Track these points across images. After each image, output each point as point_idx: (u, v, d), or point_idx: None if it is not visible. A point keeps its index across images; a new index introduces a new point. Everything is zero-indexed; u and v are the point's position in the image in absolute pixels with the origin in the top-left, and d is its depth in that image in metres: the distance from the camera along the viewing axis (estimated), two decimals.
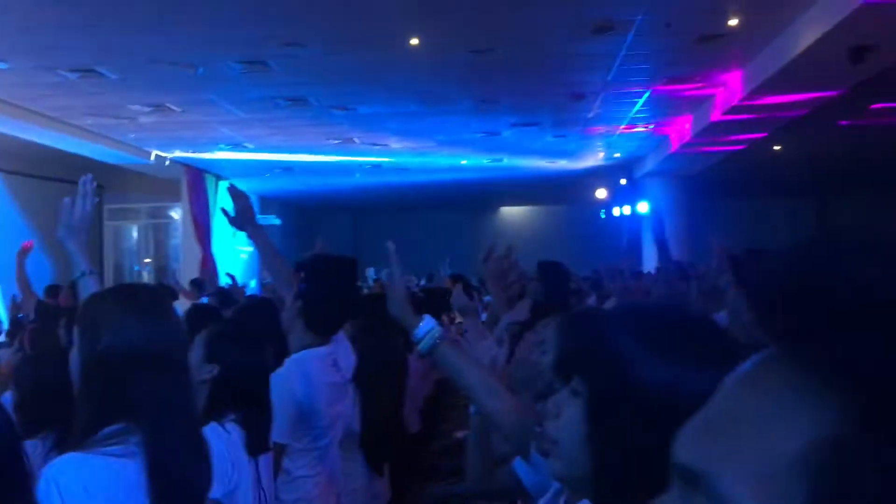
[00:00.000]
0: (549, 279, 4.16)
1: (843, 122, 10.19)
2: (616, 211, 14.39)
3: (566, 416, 1.02)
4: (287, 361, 2.56)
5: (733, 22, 6.64)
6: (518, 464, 1.65)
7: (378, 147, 12.21)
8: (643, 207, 13.60)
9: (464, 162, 13.73)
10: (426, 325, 1.79)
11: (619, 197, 14.37)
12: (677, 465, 0.38)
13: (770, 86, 7.66)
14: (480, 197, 18.54)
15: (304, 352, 2.59)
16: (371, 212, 20.09)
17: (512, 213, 20.30)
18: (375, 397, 3.22)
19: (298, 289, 2.70)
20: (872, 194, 17.12)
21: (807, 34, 6.48)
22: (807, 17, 6.47)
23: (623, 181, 14.11)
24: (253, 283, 13.09)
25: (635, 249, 13.40)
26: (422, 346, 1.80)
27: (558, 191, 17.03)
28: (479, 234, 18.57)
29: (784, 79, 7.32)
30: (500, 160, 13.63)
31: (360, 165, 13.76)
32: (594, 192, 14.95)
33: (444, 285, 7.25)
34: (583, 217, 17.42)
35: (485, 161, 13.68)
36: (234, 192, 2.92)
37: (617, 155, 13.33)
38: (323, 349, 2.62)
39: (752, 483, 0.34)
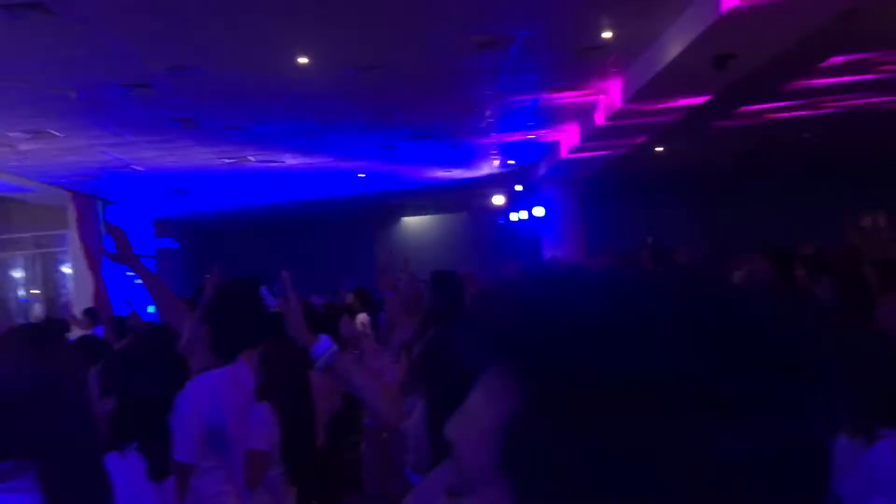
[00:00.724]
0: (441, 289, 4.31)
1: (716, 124, 10.87)
2: (513, 216, 14.80)
3: None
4: (191, 383, 2.62)
5: (607, 35, 7.03)
6: (409, 471, 1.79)
7: (275, 164, 12.16)
8: (539, 212, 14.04)
9: (362, 175, 13.83)
10: (323, 345, 1.91)
11: (516, 202, 14.78)
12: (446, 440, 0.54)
13: (646, 93, 8.12)
14: (382, 208, 18.66)
15: (207, 373, 2.66)
16: (274, 229, 19.86)
17: (413, 222, 20.49)
18: (288, 414, 3.30)
19: (202, 312, 2.77)
20: (753, 190, 18.25)
21: (674, 44, 6.93)
22: (674, 28, 6.92)
23: (519, 187, 14.53)
24: (151, 309, 12.74)
25: (534, 252, 13.83)
26: (319, 365, 1.92)
27: (458, 199, 17.35)
28: (382, 246, 18.68)
29: (657, 86, 7.79)
30: (398, 172, 13.80)
31: (258, 183, 13.64)
32: (492, 198, 15.32)
33: (346, 300, 7.33)
34: (483, 223, 17.79)
35: (383, 173, 13.82)
36: (110, 229, 2.97)
37: (511, 162, 13.72)
38: (226, 370, 2.69)
39: (472, 444, 0.51)
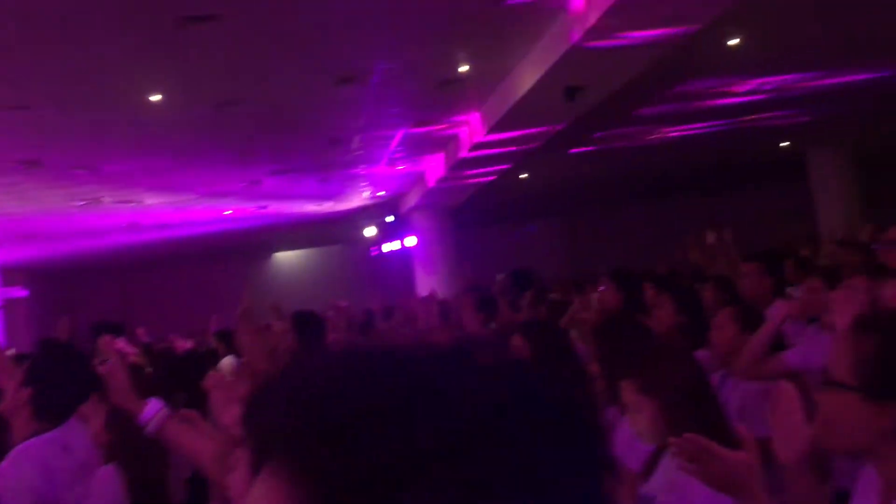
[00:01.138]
0: (303, 330, 4.22)
1: (573, 151, 11.33)
2: (386, 247, 14.80)
3: None
4: (12, 453, 2.42)
5: (464, 68, 7.20)
6: None
7: (132, 204, 11.61)
8: (411, 242, 14.11)
9: (228, 212, 13.45)
10: (152, 408, 1.81)
11: (388, 233, 14.79)
12: None
13: (504, 123, 8.36)
14: (251, 244, 18.20)
15: (30, 441, 2.46)
16: (138, 271, 18.94)
17: (286, 257, 20.12)
18: (138, 475, 3.11)
19: (25, 376, 2.57)
20: (614, 210, 19.13)
21: (527, 77, 7.18)
22: (526, 62, 7.18)
23: (390, 218, 14.56)
24: None
25: (407, 283, 13.85)
26: (149, 430, 1.81)
27: (330, 232, 17.18)
28: (253, 283, 18.19)
29: (514, 117, 8.03)
30: (266, 207, 13.52)
31: (115, 223, 12.98)
32: (364, 230, 15.26)
33: (211, 345, 7.05)
34: (355, 256, 17.68)
35: (250, 209, 13.50)
36: None
37: (381, 193, 13.74)
38: (51, 434, 2.51)
39: None
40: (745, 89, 9.87)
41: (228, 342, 7.13)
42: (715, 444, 1.37)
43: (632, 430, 1.89)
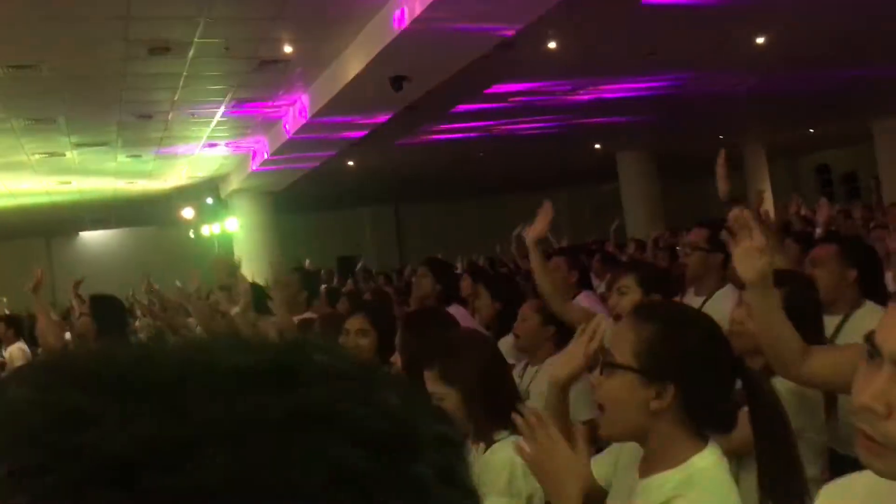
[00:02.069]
0: (101, 315, 3.92)
1: (399, 142, 11.38)
2: (205, 230, 14.16)
3: None
4: None
5: (289, 49, 6.99)
6: None
7: None
8: (232, 225, 13.60)
9: (25, 187, 12.28)
10: None
11: (206, 215, 14.16)
12: None
13: (330, 109, 8.22)
14: (54, 223, 16.76)
15: None
16: None
17: (93, 237, 18.72)
18: None
19: None
20: (436, 199, 19.48)
21: (354, 63, 7.09)
22: (353, 47, 7.09)
23: (209, 200, 13.94)
24: None
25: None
26: None
27: (143, 212, 16.17)
28: (57, 264, 16.76)
29: (340, 103, 7.92)
30: (70, 183, 12.48)
31: None
32: (181, 211, 14.50)
33: None
34: (171, 238, 16.78)
35: (51, 185, 12.39)
36: None
37: (200, 174, 13.10)
38: None
39: None
40: (564, 90, 10.37)
41: (17, 327, 6.51)
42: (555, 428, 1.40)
43: None
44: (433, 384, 1.87)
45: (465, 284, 4.81)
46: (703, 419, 1.32)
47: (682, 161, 16.22)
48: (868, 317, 2.54)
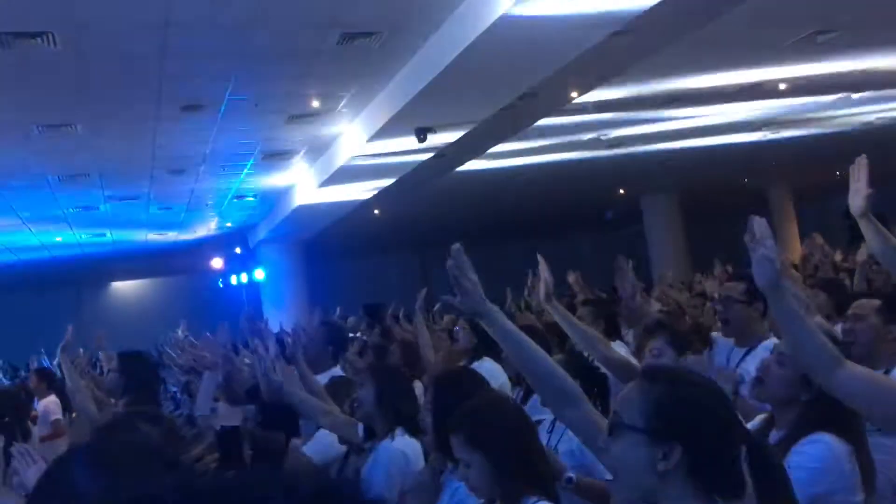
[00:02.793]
0: (129, 372, 3.98)
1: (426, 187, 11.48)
2: (234, 279, 14.33)
3: None
4: None
5: (316, 104, 7.16)
6: None
7: None
8: (260, 274, 13.75)
9: (59, 239, 12.55)
10: None
11: (235, 265, 14.34)
12: None
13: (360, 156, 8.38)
14: (87, 273, 17.05)
15: None
16: None
17: (124, 287, 19.00)
18: None
19: None
20: (465, 247, 19.49)
21: (380, 116, 7.23)
22: (378, 100, 7.23)
23: (238, 250, 14.14)
24: None
25: (255, 317, 13.43)
26: None
27: (173, 262, 16.42)
28: (87, 313, 16.99)
29: (369, 150, 8.08)
30: (104, 235, 12.74)
31: None
32: (210, 261, 14.71)
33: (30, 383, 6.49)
34: (200, 287, 16.98)
35: (84, 237, 12.66)
36: None
37: (229, 224, 13.32)
38: None
39: None
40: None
41: (50, 380, 6.61)
42: None
43: (466, 485, 1.91)
44: (460, 449, 1.87)
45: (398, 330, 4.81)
46: (712, 482, 1.34)
47: (706, 205, 16.19)
48: None
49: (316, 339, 4.34)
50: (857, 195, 2.40)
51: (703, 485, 1.33)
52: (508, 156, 10.78)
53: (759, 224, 1.83)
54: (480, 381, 2.35)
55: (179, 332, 9.13)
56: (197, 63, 5.91)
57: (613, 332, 4.22)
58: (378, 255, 19.96)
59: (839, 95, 9.96)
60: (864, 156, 2.43)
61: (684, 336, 2.87)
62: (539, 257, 3.17)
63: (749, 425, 2.26)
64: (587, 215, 17.19)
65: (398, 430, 2.67)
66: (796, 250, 12.34)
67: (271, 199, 11.80)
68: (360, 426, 2.92)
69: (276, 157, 9.15)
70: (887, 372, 2.60)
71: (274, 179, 10.45)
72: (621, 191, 15.85)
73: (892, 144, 14.27)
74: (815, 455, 2.00)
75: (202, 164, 9.10)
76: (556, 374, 1.79)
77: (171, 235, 13.50)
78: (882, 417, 1.87)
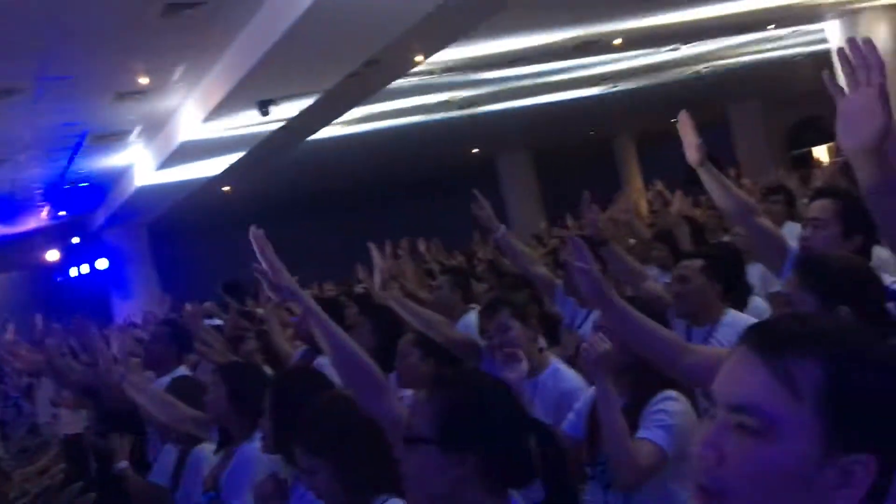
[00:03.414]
0: None
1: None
2: (73, 271, 13.35)
3: None
4: None
5: (145, 80, 6.66)
6: None
7: None
8: (102, 264, 12.89)
9: None
10: None
11: (74, 256, 13.36)
12: None
13: (198, 134, 7.92)
14: None
15: None
16: None
17: None
18: None
19: None
20: (316, 218, 19.18)
21: (218, 90, 6.84)
22: (215, 73, 6.83)
23: (76, 239, 13.16)
24: None
25: (102, 308, 12.62)
26: None
27: (3, 256, 15.07)
28: None
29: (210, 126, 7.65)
30: None
31: None
32: (45, 254, 13.62)
33: None
34: (36, 283, 15.71)
35: None
36: None
37: (63, 213, 12.35)
38: None
39: None
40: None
41: None
42: None
43: (312, 495, 1.80)
44: (302, 458, 1.77)
45: (351, 313, 4.65)
46: (505, 478, 1.37)
47: (558, 160, 16.69)
48: (730, 328, 2.59)
49: (158, 338, 4.05)
50: (690, 148, 2.45)
51: (497, 482, 1.35)
52: (360, 122, 10.58)
53: (573, 242, 1.84)
54: (321, 382, 2.21)
55: (7, 335, 8.34)
56: (1, 43, 5.32)
57: (470, 299, 4.21)
58: (233, 230, 19.23)
59: (670, 47, 10.43)
60: (683, 111, 2.47)
61: (524, 306, 2.85)
62: (370, 246, 3.10)
63: (589, 392, 2.29)
64: (442, 177, 17.29)
65: (257, 433, 2.51)
66: (642, 193, 12.93)
67: (107, 183, 11.01)
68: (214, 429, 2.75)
69: (107, 138, 8.50)
70: (713, 325, 2.69)
71: (109, 161, 9.74)
72: (475, 150, 16.03)
73: (719, 92, 15.23)
74: (672, 411, 2.05)
75: (23, 152, 8.32)
76: (361, 361, 1.75)
77: None
78: None
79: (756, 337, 0.82)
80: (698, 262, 2.71)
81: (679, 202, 4.93)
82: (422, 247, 7.51)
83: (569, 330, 3.16)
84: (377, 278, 2.99)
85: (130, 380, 3.01)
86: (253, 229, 1.77)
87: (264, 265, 1.74)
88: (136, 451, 3.80)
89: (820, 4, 9.61)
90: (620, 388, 2.14)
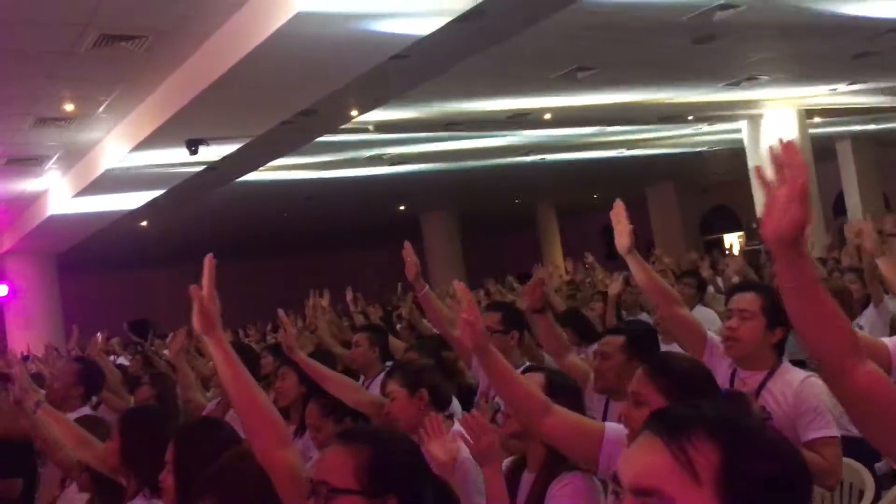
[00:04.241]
0: None
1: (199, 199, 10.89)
2: None
3: None
4: None
5: (70, 107, 6.49)
6: None
7: None
8: (1, 290, 12.24)
9: None
10: None
11: None
12: None
13: (124, 167, 7.71)
14: None
15: None
16: None
17: None
18: None
19: None
20: (236, 263, 18.81)
21: (146, 124, 6.71)
22: (144, 107, 6.71)
23: None
24: None
25: None
26: None
27: None
28: None
29: (135, 161, 7.46)
30: None
31: None
32: None
33: None
34: None
35: None
36: None
37: None
38: None
39: None
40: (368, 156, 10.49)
41: None
42: None
43: None
44: None
45: (266, 362, 4.54)
46: None
47: (481, 221, 16.94)
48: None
49: (64, 375, 3.84)
50: (622, 235, 2.54)
51: None
52: (289, 169, 10.53)
53: (459, 289, 1.95)
54: (226, 436, 2.12)
55: None
56: None
57: (386, 357, 4.17)
58: (145, 267, 18.65)
59: (596, 128, 10.86)
60: (619, 200, 2.57)
61: (415, 373, 2.82)
62: (280, 312, 3.13)
63: (504, 464, 2.30)
64: (367, 231, 17.29)
65: (145, 491, 2.35)
66: (560, 263, 13.23)
67: (18, 208, 10.55)
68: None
69: (23, 162, 8.18)
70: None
71: (21, 185, 9.35)
72: (401, 207, 16.13)
73: (639, 173, 15.88)
74: (573, 496, 2.07)
75: None
76: (268, 411, 1.74)
77: None
78: (581, 457, 2.00)
79: (658, 422, 0.87)
80: (620, 339, 2.77)
81: (617, 286, 5.03)
82: (349, 296, 7.44)
83: (485, 398, 3.16)
84: (289, 341, 2.99)
85: (46, 408, 2.83)
86: (209, 257, 1.75)
87: (205, 290, 1.70)
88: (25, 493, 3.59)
89: (734, 102, 10.23)
90: (532, 458, 2.17)
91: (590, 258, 8.47)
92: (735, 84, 9.11)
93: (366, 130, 8.73)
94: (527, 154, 12.32)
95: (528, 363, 3.28)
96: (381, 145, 10.15)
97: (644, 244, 15.42)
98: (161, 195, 9.40)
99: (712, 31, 6.77)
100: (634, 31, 6.50)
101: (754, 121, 11.41)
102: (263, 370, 4.43)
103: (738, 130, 11.80)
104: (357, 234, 17.47)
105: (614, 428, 1.96)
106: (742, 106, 10.58)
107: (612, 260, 7.79)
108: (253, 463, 1.73)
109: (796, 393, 2.30)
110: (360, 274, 15.19)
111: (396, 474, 1.44)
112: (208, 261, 1.75)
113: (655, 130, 11.75)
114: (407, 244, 3.30)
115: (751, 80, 9.00)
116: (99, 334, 6.25)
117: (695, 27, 6.57)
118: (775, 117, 11.15)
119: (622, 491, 0.87)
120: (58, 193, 9.47)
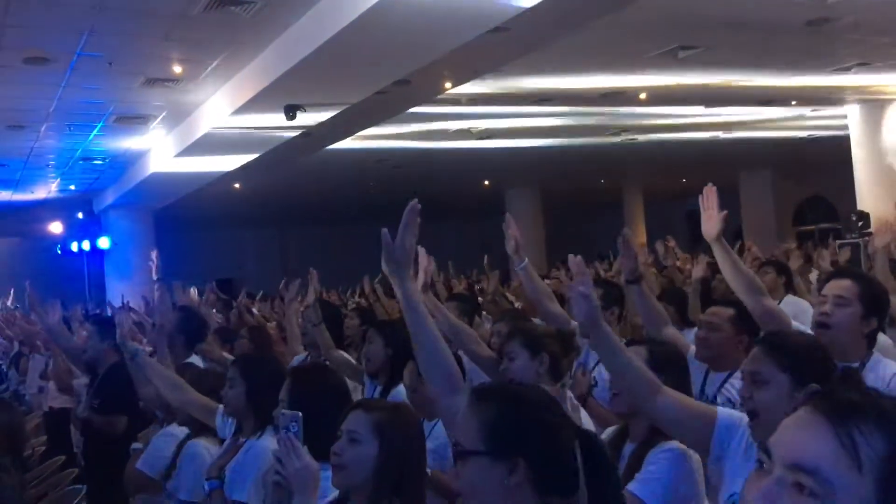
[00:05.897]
0: None
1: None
2: (75, 246, 13.34)
3: None
4: None
5: (178, 69, 6.74)
6: None
7: None
8: (104, 242, 12.89)
9: None
10: None
11: (76, 231, 13.36)
12: None
13: (222, 132, 7.99)
14: None
15: None
16: None
17: None
18: None
19: None
20: (322, 225, 19.23)
21: (247, 88, 6.91)
22: (247, 72, 6.91)
23: (80, 215, 13.18)
24: None
25: (97, 287, 12.62)
26: None
27: (5, 222, 15.08)
28: None
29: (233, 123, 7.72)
30: None
31: None
32: (48, 225, 13.63)
33: None
34: (35, 252, 15.71)
35: None
36: None
37: (72, 187, 12.38)
38: None
39: None
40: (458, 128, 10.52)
41: None
42: None
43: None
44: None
45: (352, 324, 4.62)
46: (553, 485, 1.37)
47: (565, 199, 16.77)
48: None
49: (168, 325, 4.03)
50: (710, 221, 2.49)
51: (545, 489, 1.35)
52: (377, 138, 10.67)
53: (574, 263, 1.92)
54: (333, 378, 2.29)
55: (9, 302, 8.47)
56: (46, 13, 5.39)
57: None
58: (235, 228, 19.27)
59: (692, 109, 10.56)
60: (711, 184, 2.51)
61: (538, 337, 2.85)
62: (420, 251, 3.10)
63: (604, 435, 2.32)
64: (451, 204, 17.37)
65: (268, 429, 2.52)
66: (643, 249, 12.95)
67: (121, 164, 11.06)
68: (226, 420, 2.76)
69: (130, 120, 8.56)
70: (731, 374, 2.72)
71: (127, 143, 9.80)
72: (486, 182, 16.13)
73: (733, 159, 15.37)
74: (670, 463, 2.08)
75: (45, 122, 8.37)
76: (444, 357, 1.78)
77: (5, 195, 12.39)
78: (691, 441, 1.98)
79: (824, 402, 0.85)
80: (729, 311, 2.74)
81: (702, 269, 4.88)
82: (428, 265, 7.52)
83: (582, 370, 3.16)
84: (421, 278, 3.03)
85: (144, 357, 3.04)
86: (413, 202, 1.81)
87: (408, 239, 1.77)
88: (127, 433, 3.82)
89: (843, 88, 9.78)
90: (634, 431, 2.19)
91: (671, 241, 8.27)
92: (846, 69, 8.71)
93: (457, 102, 8.74)
94: (617, 134, 12.11)
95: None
96: (470, 118, 10.15)
97: (731, 234, 14.95)
98: (254, 159, 9.69)
99: (827, 14, 6.49)
100: (746, 10, 6.29)
101: (864, 107, 10.87)
102: (348, 331, 4.54)
103: (843, 116, 11.27)
104: (441, 207, 17.57)
105: (727, 413, 1.93)
106: (851, 92, 10.11)
107: (696, 246, 7.59)
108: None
109: (892, 390, 2.23)
110: (444, 246, 15.31)
111: (525, 434, 1.37)
112: (414, 208, 1.80)
113: (755, 113, 11.35)
114: (509, 216, 3.28)
115: (862, 65, 8.58)
116: (193, 289, 6.55)
117: (811, 7, 6.31)
118: (888, 107, 10.61)
119: (768, 462, 0.85)
120: (160, 152, 9.88)
